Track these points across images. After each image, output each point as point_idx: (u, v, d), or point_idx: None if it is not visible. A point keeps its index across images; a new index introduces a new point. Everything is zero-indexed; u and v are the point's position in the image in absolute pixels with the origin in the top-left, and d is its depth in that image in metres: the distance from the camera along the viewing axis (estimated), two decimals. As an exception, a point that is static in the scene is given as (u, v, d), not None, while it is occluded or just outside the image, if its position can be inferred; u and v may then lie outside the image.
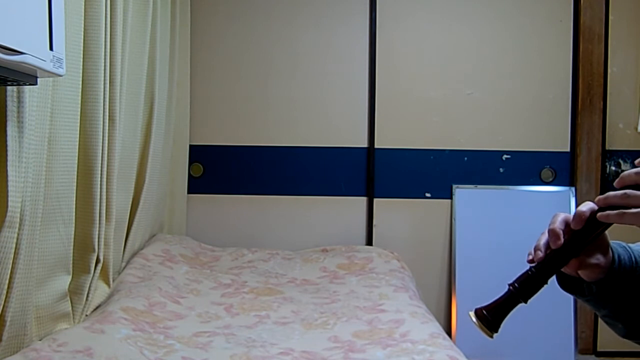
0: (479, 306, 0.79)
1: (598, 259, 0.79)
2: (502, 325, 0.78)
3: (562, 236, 0.77)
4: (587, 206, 0.77)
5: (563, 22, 2.80)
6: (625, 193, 0.71)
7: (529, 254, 0.79)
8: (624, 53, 2.77)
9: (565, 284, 0.85)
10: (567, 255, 0.77)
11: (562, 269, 0.80)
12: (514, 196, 2.80)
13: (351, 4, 2.83)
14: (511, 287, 0.79)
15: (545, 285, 0.78)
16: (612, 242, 0.82)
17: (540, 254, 0.77)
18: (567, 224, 0.78)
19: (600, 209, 0.74)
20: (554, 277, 0.80)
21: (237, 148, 2.85)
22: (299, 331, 1.73)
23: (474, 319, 0.78)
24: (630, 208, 0.70)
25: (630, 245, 0.85)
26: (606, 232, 0.79)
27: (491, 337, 0.78)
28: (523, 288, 0.78)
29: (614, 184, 0.74)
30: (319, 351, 1.57)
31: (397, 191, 2.83)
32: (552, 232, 0.77)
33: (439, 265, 2.82)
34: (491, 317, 0.78)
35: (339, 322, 1.79)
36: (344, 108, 2.84)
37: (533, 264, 0.78)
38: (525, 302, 0.78)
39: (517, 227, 2.72)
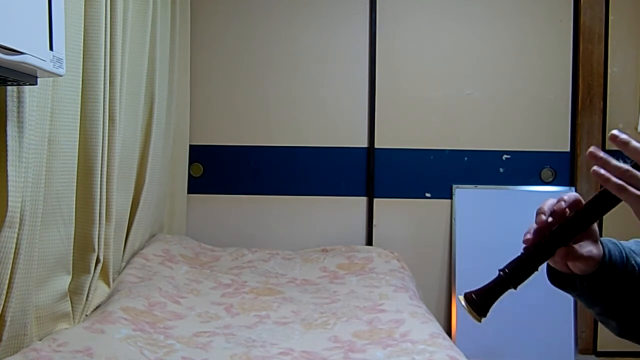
0: (468, 290, 0.79)
1: (590, 251, 0.78)
2: (490, 310, 0.78)
3: (547, 214, 0.76)
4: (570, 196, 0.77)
5: (563, 22, 2.80)
6: (628, 170, 0.68)
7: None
8: (624, 53, 2.77)
9: (556, 279, 0.84)
10: (557, 242, 0.76)
11: (552, 264, 0.80)
12: (514, 196, 2.79)
13: (351, 4, 2.82)
14: (501, 272, 0.79)
15: (536, 272, 0.78)
16: (602, 238, 0.81)
17: (530, 237, 0.77)
18: (554, 209, 0.76)
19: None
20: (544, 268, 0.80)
21: (237, 148, 2.85)
22: (299, 331, 1.73)
23: (463, 302, 0.79)
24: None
25: (622, 242, 0.84)
26: (595, 225, 0.78)
27: (479, 321, 0.79)
28: (513, 274, 0.77)
29: (610, 138, 0.69)
30: (319, 351, 1.57)
31: (397, 191, 2.83)
32: (538, 211, 0.76)
33: (439, 266, 2.82)
34: (480, 302, 0.78)
35: (339, 322, 1.79)
36: (344, 108, 2.84)
37: (524, 251, 0.78)
38: (515, 288, 0.78)
39: (517, 227, 2.69)
